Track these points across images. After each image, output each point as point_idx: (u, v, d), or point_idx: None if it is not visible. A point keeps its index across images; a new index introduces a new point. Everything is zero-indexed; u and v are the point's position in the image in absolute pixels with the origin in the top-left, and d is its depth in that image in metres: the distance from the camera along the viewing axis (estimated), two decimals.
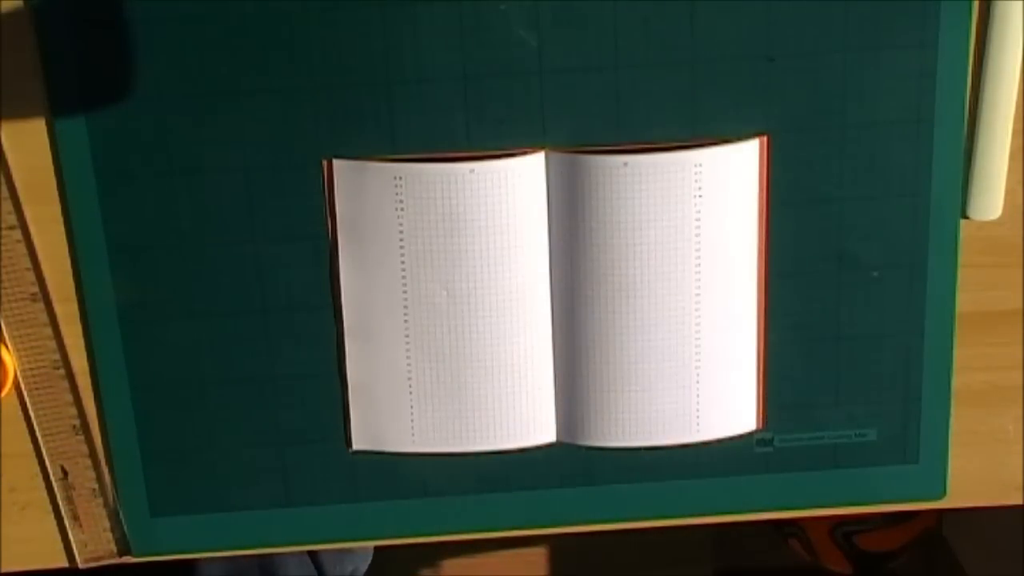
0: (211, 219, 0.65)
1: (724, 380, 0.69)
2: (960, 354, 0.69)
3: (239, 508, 0.71)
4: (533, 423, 0.69)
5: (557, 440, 0.70)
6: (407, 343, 0.67)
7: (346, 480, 0.70)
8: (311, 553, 1.03)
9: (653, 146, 0.64)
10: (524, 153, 0.65)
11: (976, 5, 0.63)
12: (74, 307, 0.67)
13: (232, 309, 0.67)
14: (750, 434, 0.70)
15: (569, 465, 0.70)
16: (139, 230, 0.66)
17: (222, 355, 0.68)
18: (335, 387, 0.69)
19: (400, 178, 0.65)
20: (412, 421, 0.69)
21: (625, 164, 0.64)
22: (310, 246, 0.66)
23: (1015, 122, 0.65)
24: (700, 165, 0.64)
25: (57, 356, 0.68)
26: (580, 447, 0.70)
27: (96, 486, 0.70)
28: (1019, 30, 0.63)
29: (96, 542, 0.71)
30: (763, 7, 0.63)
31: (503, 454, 0.70)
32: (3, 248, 0.65)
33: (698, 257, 0.66)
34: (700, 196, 0.65)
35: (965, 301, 0.68)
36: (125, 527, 0.71)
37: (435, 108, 0.64)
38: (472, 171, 0.64)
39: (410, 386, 0.68)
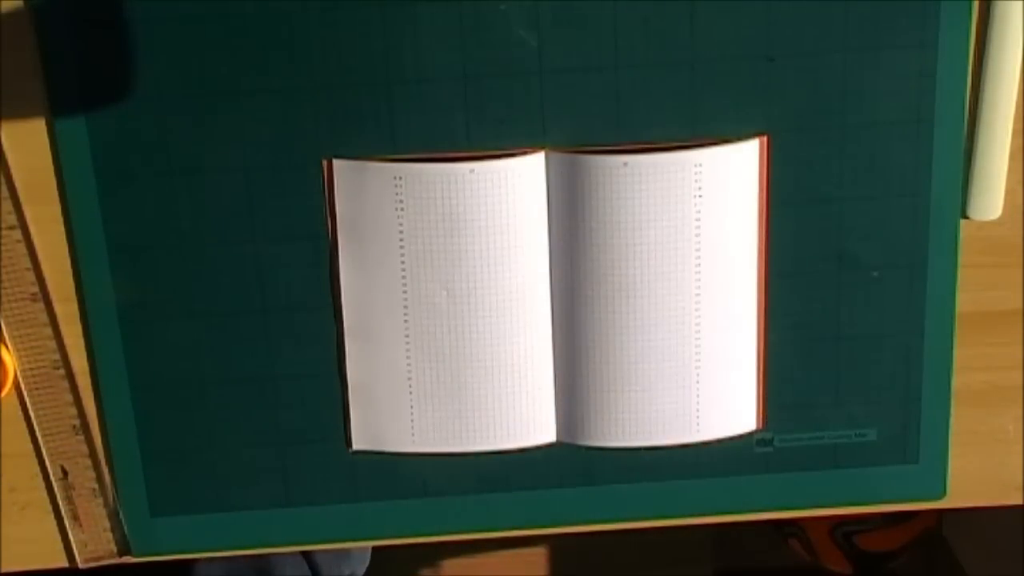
0: (211, 219, 0.65)
1: (724, 380, 0.69)
2: (960, 354, 0.69)
3: (239, 508, 0.70)
4: (533, 423, 0.69)
5: (557, 440, 0.70)
6: (407, 343, 0.67)
7: (346, 480, 0.70)
8: (308, 556, 1.02)
9: (653, 146, 0.64)
10: (524, 153, 0.65)
11: (976, 5, 0.63)
12: (74, 307, 0.67)
13: (232, 309, 0.67)
14: (750, 434, 0.70)
15: (569, 465, 0.70)
16: (139, 230, 0.66)
17: (222, 355, 0.68)
18: (335, 387, 0.69)
19: (400, 178, 0.65)
20: (412, 421, 0.69)
21: (625, 164, 0.64)
22: (310, 246, 0.66)
23: (1015, 122, 0.65)
24: (700, 165, 0.64)
25: (57, 356, 0.68)
26: (580, 447, 0.70)
27: (96, 486, 0.70)
28: (1019, 30, 0.63)
29: (96, 542, 0.71)
30: (763, 7, 0.63)
31: (503, 454, 0.70)
32: (3, 248, 0.65)
33: (698, 257, 0.66)
34: (700, 196, 0.65)
35: (965, 301, 0.68)
36: (125, 527, 0.71)
37: (435, 108, 0.64)
38: (472, 171, 0.64)
39: (410, 386, 0.68)
